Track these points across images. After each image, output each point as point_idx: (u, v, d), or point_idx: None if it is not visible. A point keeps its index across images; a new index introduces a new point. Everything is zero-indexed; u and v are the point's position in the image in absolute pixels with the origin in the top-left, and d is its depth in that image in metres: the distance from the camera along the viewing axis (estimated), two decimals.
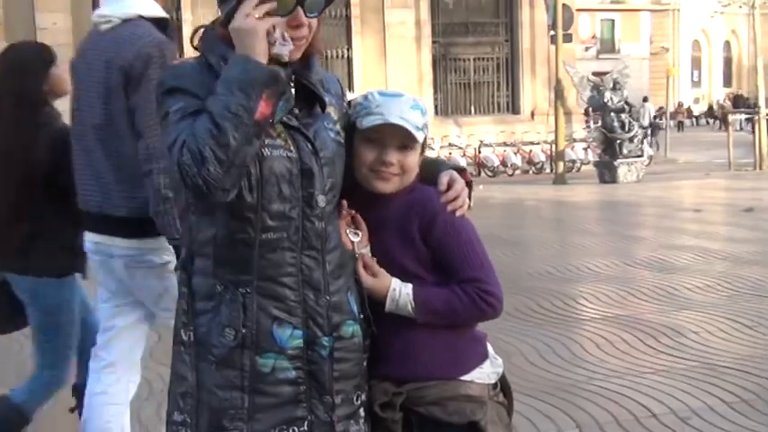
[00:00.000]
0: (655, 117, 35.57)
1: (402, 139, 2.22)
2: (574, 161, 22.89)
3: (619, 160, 18.33)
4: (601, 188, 17.71)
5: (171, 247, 3.19)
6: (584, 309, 6.79)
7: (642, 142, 18.85)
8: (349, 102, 2.30)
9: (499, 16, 25.74)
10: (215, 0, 2.11)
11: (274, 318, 2.06)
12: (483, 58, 25.66)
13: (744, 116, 31.64)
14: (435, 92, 24.58)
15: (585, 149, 23.83)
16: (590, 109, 35.11)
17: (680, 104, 37.69)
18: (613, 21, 55.52)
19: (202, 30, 2.14)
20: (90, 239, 3.39)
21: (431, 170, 2.34)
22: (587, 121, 29.81)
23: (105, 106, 3.24)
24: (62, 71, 3.67)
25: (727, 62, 63.04)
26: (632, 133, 18.64)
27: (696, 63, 60.57)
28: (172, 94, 2.02)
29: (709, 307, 6.72)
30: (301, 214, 2.07)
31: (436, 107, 24.39)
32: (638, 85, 31.19)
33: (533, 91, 25.65)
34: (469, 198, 2.31)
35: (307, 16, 2.03)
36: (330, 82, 2.23)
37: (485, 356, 2.32)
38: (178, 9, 21.74)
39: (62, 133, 3.60)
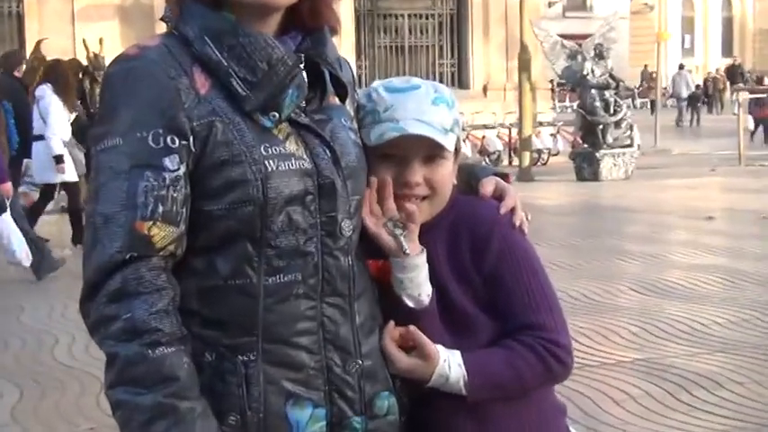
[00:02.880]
0: (697, 86, 37.62)
1: (427, 149, 2.18)
2: (540, 151, 23.11)
3: (602, 151, 18.52)
4: (580, 187, 17.92)
5: None
6: (590, 351, 6.78)
7: (632, 128, 19.03)
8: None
9: None
10: None
11: (288, 393, 1.98)
12: (421, 15, 25.78)
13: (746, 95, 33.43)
14: (359, 57, 24.60)
15: (554, 136, 24.08)
16: (555, 84, 35.89)
17: (652, 75, 38.97)
18: None
19: None
20: None
21: (468, 178, 2.33)
22: (555, 99, 30.16)
23: None
24: None
25: (727, 24, 64.66)
26: (619, 116, 18.85)
27: (688, 25, 61.97)
28: (111, 114, 1.94)
29: (750, 348, 6.79)
30: (320, 248, 2.00)
31: (360, 78, 24.35)
32: (614, 51, 31.96)
33: (486, 59, 25.86)
34: None
35: None
36: (343, 65, 2.18)
37: (567, 429, 2.33)
38: None
39: None
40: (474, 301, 2.19)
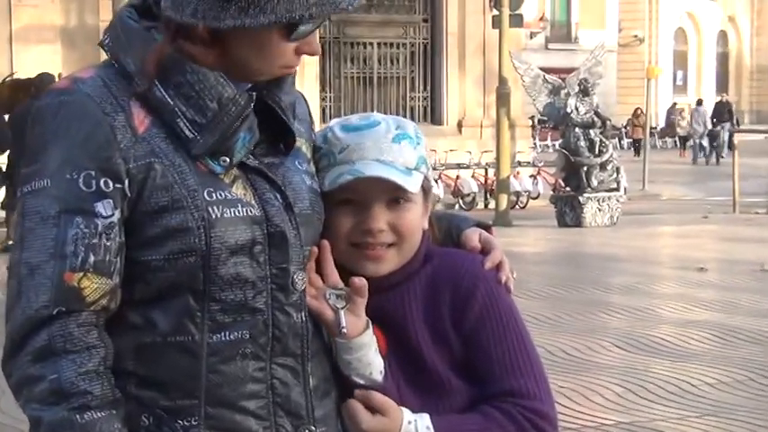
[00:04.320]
0: (714, 124, 39.79)
1: (389, 191, 2.17)
2: (518, 193, 23.26)
3: (586, 195, 18.59)
4: (561, 233, 17.96)
5: None
6: (569, 413, 6.76)
7: (618, 170, 19.12)
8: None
9: None
10: None
11: None
12: (392, 44, 25.94)
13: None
14: (323, 89, 24.71)
15: (534, 177, 24.21)
16: (536, 121, 36.12)
17: (636, 113, 39.94)
18: None
19: (115, 19, 2.04)
20: None
21: (448, 228, 2.33)
22: (535, 138, 30.28)
23: None
24: None
25: (723, 60, 65.34)
26: (605, 157, 18.95)
27: (680, 60, 62.61)
28: (39, 153, 1.93)
29: (743, 412, 6.80)
30: (271, 303, 2.00)
31: (323, 111, 24.46)
32: (601, 87, 32.65)
33: (461, 93, 26.04)
34: None
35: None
36: (298, 103, 2.18)
37: None
38: None
39: None
40: (450, 364, 2.18)
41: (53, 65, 17.42)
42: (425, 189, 2.24)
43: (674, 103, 50.95)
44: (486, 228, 2.36)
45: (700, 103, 43.67)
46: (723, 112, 45.03)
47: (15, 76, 17.12)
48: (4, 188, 16.39)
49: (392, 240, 2.18)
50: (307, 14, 1.90)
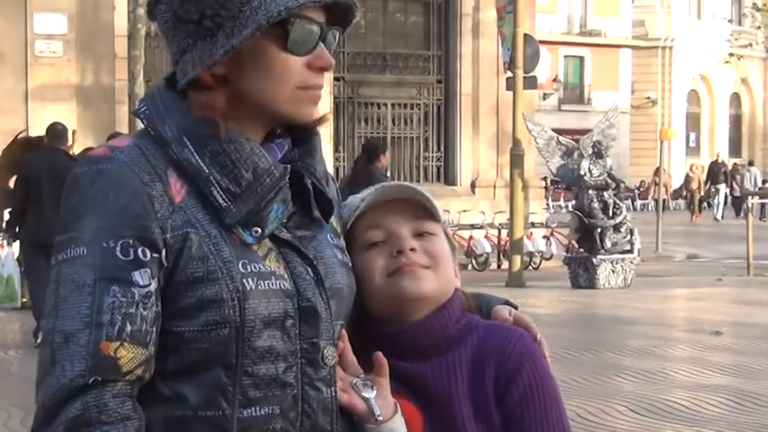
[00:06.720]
0: (765, 182, 42.18)
1: (412, 219, 2.21)
2: (531, 254, 23.19)
3: (600, 257, 18.57)
4: (575, 295, 17.90)
5: None
6: None
7: (632, 232, 19.10)
8: None
9: (430, 47, 26.18)
10: None
11: None
12: (406, 105, 26.00)
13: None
14: (336, 149, 24.72)
15: (547, 238, 24.18)
16: (549, 181, 36.16)
17: (658, 171, 40.40)
18: (582, 59, 57.24)
19: (152, 88, 2.08)
20: None
21: (477, 304, 2.35)
22: (549, 199, 30.26)
23: None
24: None
25: (735, 121, 65.40)
26: (619, 219, 18.93)
27: (693, 122, 62.67)
28: (76, 221, 1.93)
29: None
30: (300, 377, 2.00)
31: (337, 171, 24.46)
32: (614, 149, 32.78)
33: (475, 153, 26.05)
34: None
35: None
36: (329, 180, 2.21)
37: None
38: None
39: None
40: None
41: (68, 123, 17.38)
42: (450, 243, 2.28)
43: (735, 165, 51.22)
44: (514, 308, 2.37)
45: (751, 163, 46.20)
46: (717, 173, 44.77)
47: (25, 134, 17.17)
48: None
49: (427, 263, 2.20)
50: (283, 9, 1.92)
